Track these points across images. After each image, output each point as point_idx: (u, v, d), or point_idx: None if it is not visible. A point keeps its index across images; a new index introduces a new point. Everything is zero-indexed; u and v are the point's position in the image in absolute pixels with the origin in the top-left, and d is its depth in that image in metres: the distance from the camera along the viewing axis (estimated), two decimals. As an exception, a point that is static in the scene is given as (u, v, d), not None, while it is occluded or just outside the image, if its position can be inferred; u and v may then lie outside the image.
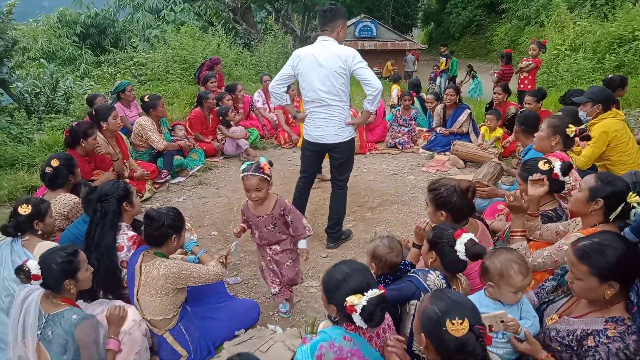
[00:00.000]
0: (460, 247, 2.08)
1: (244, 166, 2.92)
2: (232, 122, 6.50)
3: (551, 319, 1.94)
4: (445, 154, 6.28)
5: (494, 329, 1.83)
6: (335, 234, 4.05)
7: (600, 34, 9.48)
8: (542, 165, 2.66)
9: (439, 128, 6.62)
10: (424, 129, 7.21)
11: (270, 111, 7.63)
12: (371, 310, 1.72)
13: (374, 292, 1.76)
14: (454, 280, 2.24)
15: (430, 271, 2.19)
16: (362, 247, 3.98)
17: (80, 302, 2.55)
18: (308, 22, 18.21)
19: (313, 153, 3.92)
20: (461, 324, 1.46)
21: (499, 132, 5.97)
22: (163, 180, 5.45)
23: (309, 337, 2.00)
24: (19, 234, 2.79)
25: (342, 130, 3.74)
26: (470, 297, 2.02)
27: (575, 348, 1.75)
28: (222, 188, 5.43)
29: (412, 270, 2.32)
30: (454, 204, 2.46)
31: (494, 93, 6.61)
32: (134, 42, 14.00)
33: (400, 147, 6.84)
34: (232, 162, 6.40)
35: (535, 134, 3.40)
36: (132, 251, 2.82)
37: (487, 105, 7.30)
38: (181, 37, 12.29)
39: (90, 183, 3.85)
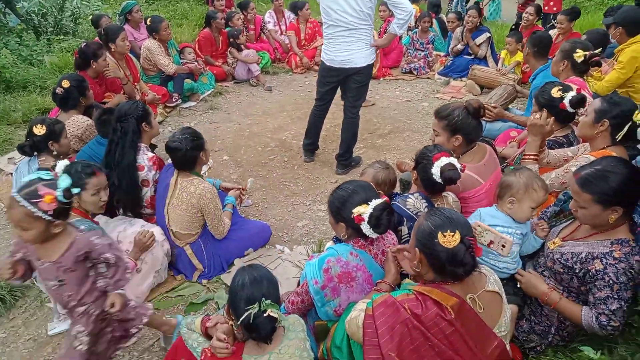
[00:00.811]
0: (436, 169, 2.11)
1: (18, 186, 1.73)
2: (242, 45, 6.32)
3: (554, 242, 1.98)
4: (462, 80, 6.09)
5: (493, 247, 1.91)
6: (345, 160, 4.08)
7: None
8: (554, 93, 2.59)
9: (458, 45, 6.31)
10: (442, 54, 6.92)
11: (282, 34, 7.36)
12: (378, 216, 1.82)
13: (377, 201, 1.86)
14: (437, 198, 2.29)
15: (409, 195, 2.26)
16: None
17: (100, 218, 2.66)
18: None
19: (334, 80, 3.82)
20: (452, 236, 1.52)
21: (520, 56, 5.70)
22: (174, 104, 5.43)
23: (316, 255, 2.10)
24: (35, 153, 2.87)
25: (369, 52, 3.65)
26: (485, 209, 2.12)
27: (577, 270, 1.80)
28: (233, 113, 5.41)
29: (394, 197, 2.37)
30: (469, 125, 2.41)
31: (525, 14, 6.17)
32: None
33: (416, 73, 6.61)
34: (243, 87, 6.31)
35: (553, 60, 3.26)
36: (153, 171, 2.91)
37: (512, 27, 6.92)
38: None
39: (102, 105, 3.86)
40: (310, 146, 4.27)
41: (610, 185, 1.69)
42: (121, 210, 2.88)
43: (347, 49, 3.58)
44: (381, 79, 6.56)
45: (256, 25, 7.25)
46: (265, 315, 1.55)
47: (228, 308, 1.72)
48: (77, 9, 8.24)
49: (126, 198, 2.83)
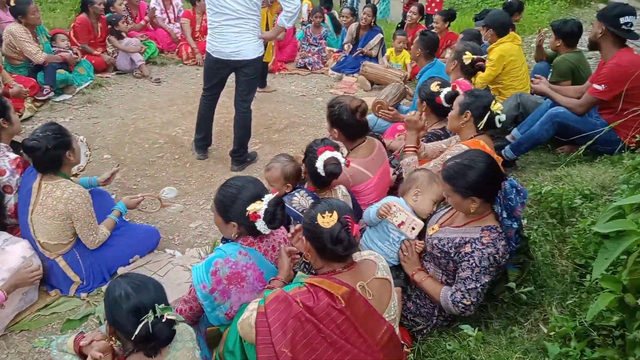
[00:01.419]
0: (319, 163, 2.16)
1: None
2: (123, 33, 5.82)
3: (432, 228, 2.10)
4: (354, 76, 6.27)
5: (403, 228, 2.04)
6: (240, 157, 3.96)
7: (505, -42, 9.68)
8: (433, 87, 2.81)
9: (348, 46, 6.51)
10: (334, 50, 7.07)
11: (170, 22, 6.93)
12: (273, 211, 1.80)
13: (270, 196, 1.83)
14: (325, 193, 2.33)
15: (296, 193, 2.28)
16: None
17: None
18: None
19: (223, 72, 3.67)
20: (330, 216, 1.59)
21: (406, 54, 6.03)
22: (45, 97, 4.84)
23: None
24: None
25: (258, 44, 3.56)
26: (397, 199, 2.18)
27: (452, 255, 1.93)
28: (114, 107, 4.97)
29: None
30: (345, 121, 2.51)
31: (409, 13, 6.53)
32: None
33: (310, 68, 6.68)
34: (125, 78, 5.83)
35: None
36: (17, 175, 2.57)
37: (398, 25, 7.29)
38: None
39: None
40: (203, 142, 4.07)
41: (466, 178, 1.85)
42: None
43: (235, 40, 3.44)
44: (276, 73, 6.51)
45: (140, 11, 6.75)
46: (163, 321, 1.42)
47: (109, 326, 1.54)
48: None
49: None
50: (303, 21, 8.25)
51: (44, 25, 5.39)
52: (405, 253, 2.09)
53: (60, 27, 6.31)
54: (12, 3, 4.67)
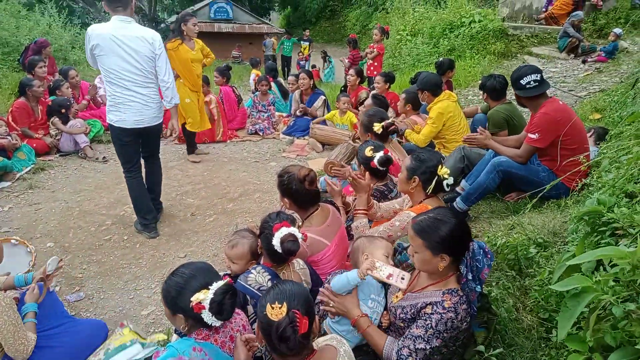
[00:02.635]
0: (276, 240, 2.10)
1: None
2: (71, 116, 5.70)
3: (396, 296, 2.03)
4: (304, 139, 6.38)
5: (392, 279, 1.97)
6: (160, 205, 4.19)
7: (435, 20, 10.46)
8: (367, 152, 2.88)
9: (297, 111, 6.69)
10: (284, 114, 7.23)
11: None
12: (219, 301, 1.68)
13: (218, 284, 1.71)
14: (282, 267, 2.25)
15: (252, 270, 2.19)
16: (223, 240, 3.82)
17: None
18: (157, 1, 16.92)
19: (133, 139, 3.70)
20: (280, 308, 1.49)
21: (352, 116, 6.22)
22: (-19, 187, 4.56)
23: (162, 350, 1.83)
24: None
25: (161, 112, 3.76)
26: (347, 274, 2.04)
27: (413, 320, 1.86)
28: (58, 191, 4.74)
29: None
30: (295, 191, 2.49)
31: (348, 76, 6.86)
32: None
33: (262, 134, 6.76)
34: (70, 159, 5.64)
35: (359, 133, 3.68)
36: None
37: (342, 88, 7.59)
38: (1, 15, 10.41)
39: None
40: (153, 220, 3.93)
41: (439, 233, 1.81)
42: None
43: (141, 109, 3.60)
44: (228, 141, 6.53)
45: (82, 91, 6.68)
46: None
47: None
48: None
49: None
50: (251, 89, 8.48)
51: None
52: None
53: (0, 113, 6.13)
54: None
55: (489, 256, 1.81)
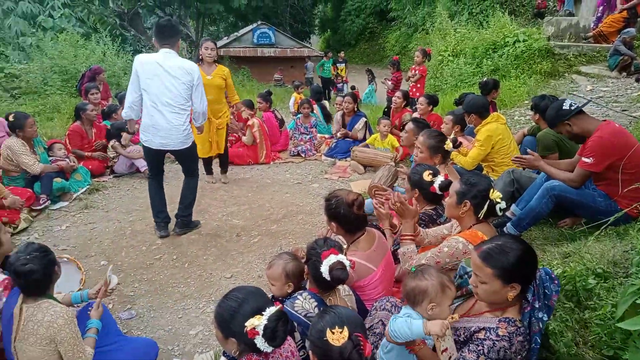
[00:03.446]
0: (324, 268, 2.09)
1: None
2: (123, 141, 5.99)
3: (452, 318, 1.98)
4: (346, 160, 6.41)
5: (445, 355, 1.78)
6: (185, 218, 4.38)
7: (477, 40, 10.35)
8: (426, 176, 2.83)
9: (339, 132, 6.75)
10: (326, 136, 7.31)
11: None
12: (273, 328, 1.68)
13: (271, 310, 1.72)
14: (328, 293, 2.23)
15: (298, 296, 2.18)
16: (267, 262, 3.83)
17: None
18: (203, 28, 17.66)
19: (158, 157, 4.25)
20: (341, 332, 1.48)
21: (393, 140, 6.20)
22: (42, 206, 4.83)
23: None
24: None
25: (188, 138, 4.15)
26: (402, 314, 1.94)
27: (467, 343, 1.81)
28: (112, 211, 4.97)
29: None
30: (343, 215, 2.49)
31: (394, 97, 6.85)
32: (5, 51, 12.49)
33: (304, 155, 6.85)
34: (123, 180, 5.91)
35: (418, 155, 3.58)
36: (4, 298, 2.44)
37: (385, 110, 7.60)
38: (61, 45, 11.17)
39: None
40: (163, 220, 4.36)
41: (510, 260, 1.74)
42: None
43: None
44: (271, 162, 6.65)
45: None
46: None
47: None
48: None
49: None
50: (293, 112, 8.65)
51: (43, 135, 5.56)
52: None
53: (58, 136, 6.54)
54: (10, 119, 4.84)
55: (556, 282, 1.75)
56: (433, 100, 6.06)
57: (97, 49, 11.83)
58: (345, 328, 1.49)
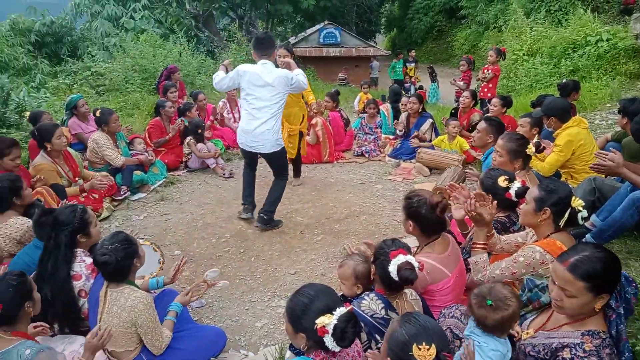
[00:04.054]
0: (393, 267, 2.06)
1: None
2: (206, 135, 6.33)
3: (527, 333, 1.92)
4: (411, 162, 6.31)
5: None
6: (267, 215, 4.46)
7: (555, 39, 9.77)
8: (501, 182, 2.71)
9: (412, 140, 6.63)
10: (391, 137, 7.23)
11: (235, 121, 7.48)
12: (343, 328, 1.69)
13: (342, 310, 1.73)
14: (395, 296, 2.20)
15: (365, 296, 2.17)
16: (330, 260, 3.91)
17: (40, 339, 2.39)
18: (272, 28, 18.10)
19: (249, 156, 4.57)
20: (428, 349, 1.44)
21: (462, 142, 6.02)
22: (122, 197, 5.22)
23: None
24: None
25: (276, 143, 4.35)
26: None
27: None
28: (185, 203, 5.25)
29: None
30: (423, 216, 2.44)
31: (462, 97, 6.64)
32: (92, 51, 13.56)
33: (367, 155, 6.83)
34: (195, 175, 6.21)
35: (497, 159, 3.41)
36: (92, 280, 2.69)
37: (452, 111, 7.40)
38: (141, 45, 11.96)
39: (42, 204, 3.64)
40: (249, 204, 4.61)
41: (601, 271, 1.66)
42: (57, 328, 2.58)
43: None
44: (335, 162, 6.70)
45: (208, 113, 7.35)
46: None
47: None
48: (23, 102, 8.09)
49: (62, 315, 2.55)
50: (359, 112, 8.64)
51: (124, 130, 5.99)
52: None
53: (138, 131, 6.99)
54: (97, 114, 5.26)
55: (634, 285, 1.67)
56: (507, 102, 5.81)
57: (174, 49, 12.51)
58: (433, 345, 1.45)
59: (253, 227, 4.55)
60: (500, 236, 2.63)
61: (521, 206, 2.49)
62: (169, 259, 3.99)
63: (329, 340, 1.69)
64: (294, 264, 3.91)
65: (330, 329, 1.68)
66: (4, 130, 6.86)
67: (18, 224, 3.24)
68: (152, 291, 3.03)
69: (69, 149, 4.83)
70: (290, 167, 5.68)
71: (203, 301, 3.39)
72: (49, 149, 4.39)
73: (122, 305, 2.38)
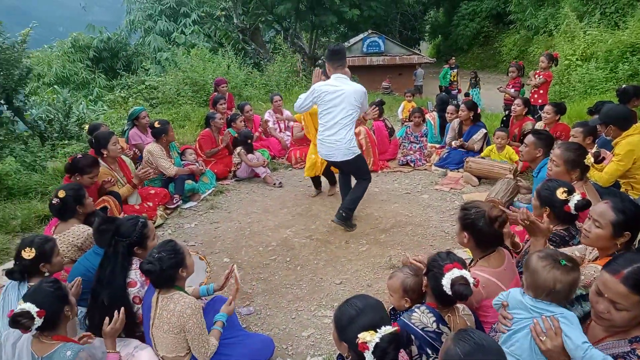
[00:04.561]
0: (446, 281, 2.00)
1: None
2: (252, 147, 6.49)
3: None
4: (458, 171, 6.18)
5: None
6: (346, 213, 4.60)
7: (612, 42, 9.34)
8: (560, 194, 2.60)
9: (454, 142, 6.51)
10: (437, 146, 7.12)
11: (280, 131, 7.62)
12: (384, 349, 1.66)
13: (387, 329, 1.71)
14: (447, 310, 2.15)
15: (416, 309, 2.12)
16: (376, 271, 3.89)
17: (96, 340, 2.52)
18: (316, 40, 18.33)
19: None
20: None
21: (512, 152, 5.84)
22: (175, 205, 5.43)
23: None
24: (26, 276, 2.72)
25: (349, 151, 4.49)
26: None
27: None
28: (233, 212, 5.39)
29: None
30: (479, 228, 2.37)
31: (513, 105, 6.41)
32: (146, 65, 14.24)
33: (413, 165, 6.75)
34: (243, 184, 6.37)
35: (552, 169, 3.29)
36: (146, 287, 2.80)
37: (504, 118, 7.19)
38: (191, 59, 12.44)
39: (101, 213, 3.84)
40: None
41: None
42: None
43: None
44: (379, 171, 6.66)
45: (255, 124, 7.53)
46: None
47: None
48: (82, 114, 8.62)
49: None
50: (403, 120, 8.56)
51: (175, 142, 6.24)
52: None
53: (189, 141, 7.27)
54: (156, 125, 5.51)
55: None
56: (561, 109, 5.58)
57: (222, 62, 12.93)
58: None
59: (298, 236, 4.61)
60: (560, 249, 2.52)
61: (584, 225, 2.35)
62: (218, 266, 4.11)
63: (369, 357, 1.66)
64: (340, 273, 3.92)
65: (371, 346, 1.65)
66: (66, 141, 7.35)
67: (79, 231, 3.43)
68: (203, 298, 3.12)
69: (123, 157, 5.09)
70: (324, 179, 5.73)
71: (251, 308, 3.46)
72: (105, 155, 4.65)
73: (171, 310, 2.46)
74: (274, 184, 6.22)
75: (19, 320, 2.11)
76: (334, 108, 4.29)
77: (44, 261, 2.72)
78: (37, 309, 2.14)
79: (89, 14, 19.58)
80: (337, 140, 4.34)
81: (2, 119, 7.29)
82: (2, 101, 7.25)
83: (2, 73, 7.00)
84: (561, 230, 2.76)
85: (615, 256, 1.83)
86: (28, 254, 2.66)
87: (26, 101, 7.78)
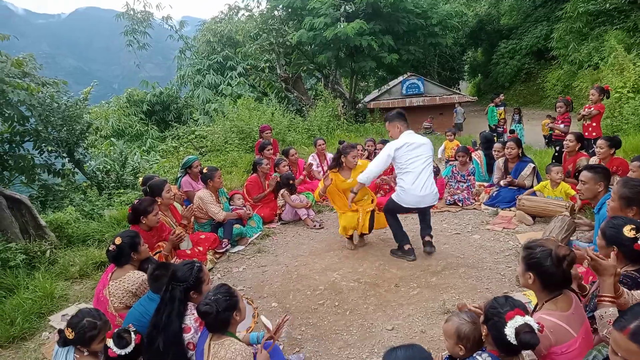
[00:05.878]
0: (510, 331, 1.88)
1: None
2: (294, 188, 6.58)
3: None
4: (510, 210, 5.96)
5: None
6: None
7: (664, 73, 8.99)
8: (627, 232, 2.43)
9: (502, 181, 6.33)
10: (485, 184, 6.94)
11: (324, 174, 7.69)
12: None
13: None
14: (510, 358, 2.00)
15: (477, 356, 1.99)
16: (429, 317, 3.73)
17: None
18: (355, 85, 18.72)
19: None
20: None
21: (567, 188, 5.59)
22: (224, 249, 5.50)
23: None
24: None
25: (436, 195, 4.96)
26: None
27: None
28: (280, 255, 5.40)
29: None
30: (546, 269, 2.22)
31: (565, 141, 6.20)
32: (195, 116, 15.04)
33: (461, 204, 6.58)
34: (289, 227, 6.40)
35: (610, 204, 3.11)
36: (200, 332, 2.81)
37: (555, 154, 6.94)
38: (238, 109, 13.00)
39: (154, 260, 3.95)
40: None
41: None
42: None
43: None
44: (426, 212, 6.52)
45: (299, 167, 7.65)
46: None
47: None
48: (137, 164, 9.10)
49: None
50: (449, 159, 8.43)
51: (223, 188, 6.43)
52: None
53: (236, 187, 7.46)
54: (204, 171, 5.71)
55: None
56: (614, 142, 5.34)
57: (267, 110, 13.42)
58: None
59: (346, 280, 4.53)
60: (632, 292, 2.33)
61: None
62: (267, 311, 4.07)
63: None
64: (391, 319, 3.78)
65: None
66: (122, 190, 7.73)
67: (135, 278, 3.52)
68: (254, 345, 3.08)
69: (175, 203, 5.26)
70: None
71: (301, 355, 3.38)
72: (158, 202, 4.82)
73: (222, 357, 2.44)
74: (314, 226, 6.22)
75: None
76: (418, 157, 4.65)
77: (82, 344, 2.72)
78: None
79: (142, 70, 20.98)
80: (428, 186, 4.68)
81: (64, 171, 7.80)
82: (64, 154, 7.79)
83: (65, 128, 7.56)
84: (632, 272, 2.55)
85: (624, 310, 1.70)
86: (69, 334, 2.69)
87: (86, 153, 8.32)
